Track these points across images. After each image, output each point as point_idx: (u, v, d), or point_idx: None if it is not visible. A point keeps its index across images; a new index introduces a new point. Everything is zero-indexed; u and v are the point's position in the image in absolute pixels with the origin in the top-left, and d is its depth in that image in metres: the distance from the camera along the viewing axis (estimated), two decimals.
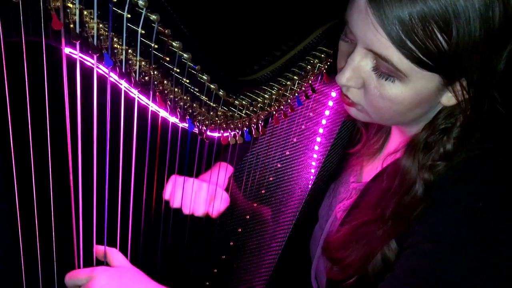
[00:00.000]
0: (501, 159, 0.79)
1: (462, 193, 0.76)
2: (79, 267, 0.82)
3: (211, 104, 0.83)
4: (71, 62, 0.66)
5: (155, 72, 0.73)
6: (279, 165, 1.12)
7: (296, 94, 0.99)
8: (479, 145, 0.79)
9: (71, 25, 0.62)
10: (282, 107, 0.98)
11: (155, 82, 0.75)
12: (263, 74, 0.93)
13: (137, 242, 0.89)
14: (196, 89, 0.80)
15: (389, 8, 0.67)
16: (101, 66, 0.68)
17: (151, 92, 0.75)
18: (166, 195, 1.03)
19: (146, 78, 0.73)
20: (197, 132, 0.85)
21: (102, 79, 0.69)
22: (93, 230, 0.78)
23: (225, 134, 0.91)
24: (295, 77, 0.96)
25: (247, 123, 0.93)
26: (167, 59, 0.72)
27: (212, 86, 0.79)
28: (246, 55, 1.13)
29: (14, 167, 0.66)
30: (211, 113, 0.86)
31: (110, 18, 0.63)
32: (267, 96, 0.93)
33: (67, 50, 0.65)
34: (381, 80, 0.75)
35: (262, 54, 0.97)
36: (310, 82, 1.00)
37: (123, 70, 0.70)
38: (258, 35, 1.57)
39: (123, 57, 0.69)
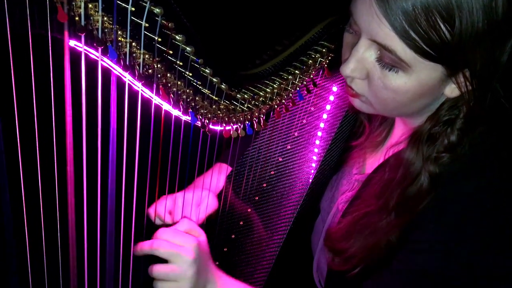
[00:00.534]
0: (503, 153, 0.80)
1: (468, 189, 0.77)
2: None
3: (214, 97, 0.84)
4: (76, 54, 0.66)
5: (159, 65, 0.74)
6: (280, 159, 1.13)
7: (298, 89, 1.00)
8: (482, 137, 0.80)
9: (76, 18, 0.62)
10: (283, 101, 0.98)
11: (159, 75, 0.76)
12: (265, 68, 0.94)
13: (139, 233, 0.90)
14: (198, 83, 0.81)
15: None
16: (105, 59, 0.69)
17: (154, 85, 0.76)
18: (151, 211, 1.00)
19: (150, 71, 0.74)
20: (199, 125, 0.86)
21: (106, 72, 0.70)
22: (97, 223, 0.79)
23: (227, 128, 0.92)
24: (296, 71, 0.96)
25: (249, 117, 0.94)
26: (171, 52, 0.73)
27: (214, 79, 0.80)
28: (248, 49, 1.14)
29: (20, 155, 0.67)
30: (214, 106, 0.87)
31: (114, 11, 0.64)
32: (268, 90, 0.93)
33: (71, 42, 0.66)
34: (385, 71, 0.76)
35: (264, 48, 0.98)
36: (312, 76, 1.01)
37: (127, 63, 0.71)
38: (260, 29, 1.58)
39: (127, 50, 0.69)
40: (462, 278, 0.74)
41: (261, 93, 0.92)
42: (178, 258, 0.83)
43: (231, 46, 1.52)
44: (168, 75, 0.77)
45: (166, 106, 0.81)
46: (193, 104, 0.84)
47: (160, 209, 0.99)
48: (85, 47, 0.66)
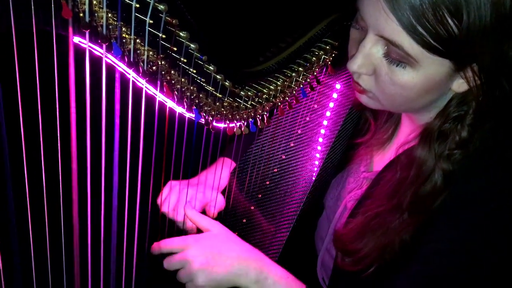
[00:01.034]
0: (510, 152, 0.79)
1: (483, 185, 0.76)
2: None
3: (217, 94, 0.84)
4: (80, 51, 0.66)
5: (163, 62, 0.74)
6: (283, 157, 1.13)
7: (301, 86, 0.99)
8: (492, 132, 0.79)
9: (81, 14, 0.62)
10: (287, 98, 0.98)
11: (163, 72, 0.76)
12: (268, 66, 0.94)
13: (143, 229, 0.90)
14: (202, 80, 0.81)
15: None
16: (109, 56, 0.69)
17: (158, 82, 0.76)
18: (160, 199, 1.05)
19: (154, 68, 0.74)
20: (203, 122, 0.86)
21: (110, 69, 0.70)
22: (101, 218, 0.79)
23: (231, 125, 0.92)
24: (300, 68, 0.96)
25: (252, 114, 0.94)
26: (175, 49, 0.73)
27: (218, 76, 0.80)
28: (251, 46, 1.14)
29: (24, 152, 0.67)
30: (217, 103, 0.86)
31: (119, 7, 0.64)
32: (272, 87, 0.93)
33: (76, 39, 0.66)
34: (392, 66, 0.75)
35: (267, 45, 0.98)
36: (315, 73, 1.01)
37: (132, 60, 0.70)
38: (263, 26, 1.58)
39: (131, 46, 0.69)
40: (482, 275, 0.74)
41: (264, 91, 0.92)
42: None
43: (234, 43, 1.51)
44: (172, 72, 0.77)
45: (170, 103, 0.81)
46: (197, 101, 0.84)
47: (165, 204, 1.01)
48: (90, 44, 0.66)
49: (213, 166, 1.14)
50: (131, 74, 0.73)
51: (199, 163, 1.00)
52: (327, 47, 0.99)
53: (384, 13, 0.70)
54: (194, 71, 0.78)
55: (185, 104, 0.82)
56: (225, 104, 0.88)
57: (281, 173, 1.12)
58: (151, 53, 0.72)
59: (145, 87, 0.75)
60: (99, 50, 0.68)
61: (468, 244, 0.76)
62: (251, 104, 0.91)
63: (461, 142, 0.79)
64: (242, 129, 0.93)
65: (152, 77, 0.75)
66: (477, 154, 0.79)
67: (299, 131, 1.11)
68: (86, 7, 0.62)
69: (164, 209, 1.04)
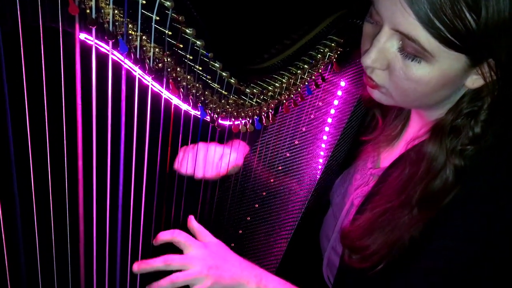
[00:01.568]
0: None
1: (496, 181, 0.76)
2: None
3: (223, 92, 0.84)
4: (86, 48, 0.66)
5: (169, 59, 0.74)
6: (288, 154, 1.12)
7: (306, 83, 0.99)
8: (505, 128, 0.79)
9: (87, 11, 0.62)
10: (292, 95, 0.98)
11: (169, 69, 0.75)
12: (273, 63, 0.93)
13: (148, 229, 0.90)
14: (208, 77, 0.81)
15: None
16: (115, 53, 0.69)
17: (164, 79, 0.76)
18: (176, 164, 1.05)
19: (160, 65, 0.74)
20: (209, 119, 0.86)
21: (116, 65, 0.69)
22: (106, 213, 0.79)
23: (236, 122, 0.92)
24: (305, 65, 0.96)
25: (257, 112, 0.94)
26: (181, 46, 0.72)
27: (224, 73, 0.80)
28: (256, 43, 1.13)
29: (30, 147, 0.67)
30: (223, 101, 0.86)
31: (125, 4, 0.64)
32: (277, 85, 0.93)
33: (82, 36, 0.66)
34: (407, 61, 0.75)
35: (272, 43, 0.97)
36: (320, 71, 1.01)
37: (138, 57, 0.70)
38: (268, 23, 1.58)
39: (137, 43, 0.69)
40: (493, 270, 0.74)
41: (269, 88, 0.92)
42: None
43: (239, 40, 1.51)
44: (178, 69, 0.77)
45: (175, 101, 0.81)
46: (202, 98, 0.83)
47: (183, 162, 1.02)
48: (96, 41, 0.66)
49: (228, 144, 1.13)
50: (137, 71, 0.73)
51: None
52: (332, 44, 0.98)
53: (401, 6, 0.70)
54: (200, 68, 0.78)
55: (190, 101, 0.82)
56: (230, 101, 0.87)
57: (285, 170, 1.12)
58: (157, 50, 0.72)
59: (151, 84, 0.75)
60: (105, 47, 0.68)
61: (479, 240, 0.75)
62: (256, 102, 0.91)
63: (475, 137, 0.79)
64: (247, 126, 0.93)
65: (158, 74, 0.74)
66: (489, 150, 0.78)
67: (304, 129, 1.11)
68: (93, 3, 0.62)
69: (183, 168, 1.04)
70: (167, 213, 1.01)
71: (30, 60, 0.63)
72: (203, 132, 0.89)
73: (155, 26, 0.68)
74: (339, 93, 1.10)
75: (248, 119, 0.93)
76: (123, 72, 0.70)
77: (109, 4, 0.63)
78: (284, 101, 0.97)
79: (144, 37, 0.69)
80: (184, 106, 0.82)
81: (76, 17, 0.63)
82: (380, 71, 0.80)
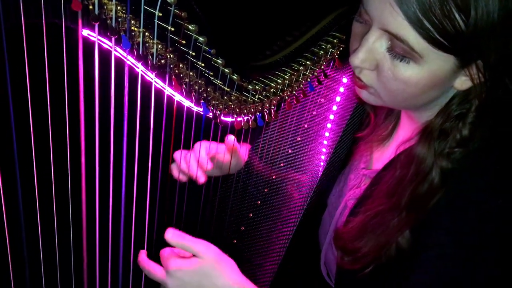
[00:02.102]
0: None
1: (484, 184, 0.76)
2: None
3: (225, 88, 0.84)
4: (89, 44, 0.66)
5: (171, 55, 0.74)
6: (290, 151, 1.12)
7: (308, 80, 0.99)
8: (492, 131, 0.78)
9: (90, 7, 0.62)
10: (294, 92, 0.98)
11: (171, 66, 0.75)
12: (276, 59, 0.93)
13: (151, 228, 0.90)
14: (210, 73, 0.80)
15: None
16: (118, 49, 0.69)
17: (167, 76, 0.76)
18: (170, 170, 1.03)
19: (162, 61, 0.74)
20: (211, 116, 0.86)
21: (119, 62, 0.69)
22: (108, 212, 0.79)
23: (239, 119, 0.91)
24: (307, 62, 0.96)
25: (260, 108, 0.93)
26: (183, 42, 0.72)
27: (226, 70, 0.80)
28: (258, 40, 1.13)
29: (33, 143, 0.67)
30: (225, 97, 0.86)
31: (128, 0, 0.64)
32: (280, 81, 0.93)
33: (85, 32, 0.66)
34: (395, 61, 0.75)
35: (274, 39, 0.97)
36: (323, 67, 1.01)
37: (140, 53, 0.70)
38: (270, 20, 1.57)
39: (140, 39, 0.69)
40: (486, 275, 0.74)
41: (272, 84, 0.92)
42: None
43: (242, 37, 1.51)
44: (181, 65, 0.77)
45: (178, 97, 0.81)
46: (205, 95, 0.83)
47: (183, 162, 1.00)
48: (99, 37, 0.66)
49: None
50: (140, 68, 0.73)
51: None
52: (334, 41, 0.98)
53: (390, 6, 0.69)
54: (203, 65, 0.78)
55: (193, 97, 0.82)
56: (233, 98, 0.87)
57: (288, 167, 1.12)
58: (160, 46, 0.71)
59: (154, 80, 0.75)
60: (108, 43, 0.68)
61: (471, 244, 0.75)
62: (259, 98, 0.91)
63: (462, 140, 0.78)
64: (250, 123, 0.93)
65: (160, 71, 0.74)
66: (477, 153, 0.78)
67: (306, 126, 1.11)
68: None
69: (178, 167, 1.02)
70: (169, 210, 1.01)
71: (33, 56, 0.63)
72: (206, 129, 0.89)
73: (157, 22, 0.68)
74: (341, 89, 1.10)
75: (251, 115, 0.93)
76: (126, 68, 0.70)
77: (112, 0, 0.63)
78: (287, 98, 0.97)
79: (147, 33, 0.69)
80: (187, 103, 0.82)
81: (79, 13, 0.63)
82: (368, 71, 0.80)
